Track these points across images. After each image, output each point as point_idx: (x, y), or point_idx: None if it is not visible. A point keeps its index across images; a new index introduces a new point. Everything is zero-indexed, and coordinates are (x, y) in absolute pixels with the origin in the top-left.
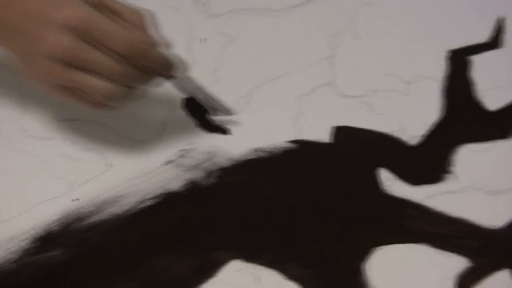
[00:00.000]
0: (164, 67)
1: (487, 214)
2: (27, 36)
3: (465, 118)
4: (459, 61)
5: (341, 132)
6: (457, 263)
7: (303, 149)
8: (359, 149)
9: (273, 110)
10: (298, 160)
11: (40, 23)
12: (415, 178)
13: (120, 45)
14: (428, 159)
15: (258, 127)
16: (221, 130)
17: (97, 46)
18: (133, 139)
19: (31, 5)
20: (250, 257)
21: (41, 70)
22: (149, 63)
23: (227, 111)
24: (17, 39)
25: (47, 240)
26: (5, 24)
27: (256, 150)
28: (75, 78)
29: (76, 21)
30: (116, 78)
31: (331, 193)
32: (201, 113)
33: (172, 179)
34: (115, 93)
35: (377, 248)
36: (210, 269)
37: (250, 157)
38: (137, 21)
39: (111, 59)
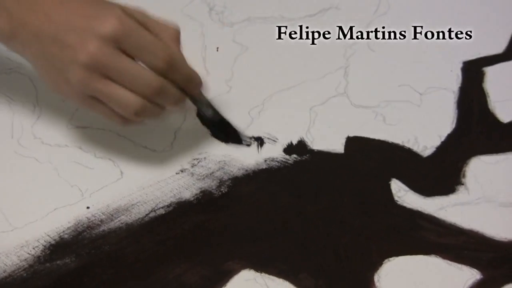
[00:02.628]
0: (194, 84)
1: (499, 226)
2: (66, 46)
3: (478, 129)
4: (473, 72)
5: (354, 143)
6: (468, 275)
7: (316, 159)
8: (371, 160)
9: (285, 120)
10: (310, 170)
11: (80, 33)
12: (427, 189)
13: (156, 59)
14: (440, 171)
15: (270, 137)
16: (233, 139)
17: (134, 58)
18: (146, 147)
19: (73, 16)
20: (261, 267)
21: (75, 79)
22: (182, 78)
23: (238, 139)
24: (53, 49)
25: (59, 248)
26: (42, 35)
27: (268, 160)
28: (109, 89)
29: (115, 31)
30: (147, 92)
31: (343, 203)
32: (214, 122)
33: (184, 188)
34: (145, 108)
35: (389, 259)
36: (221, 279)
37: (262, 167)
38: (170, 37)
39: (147, 71)
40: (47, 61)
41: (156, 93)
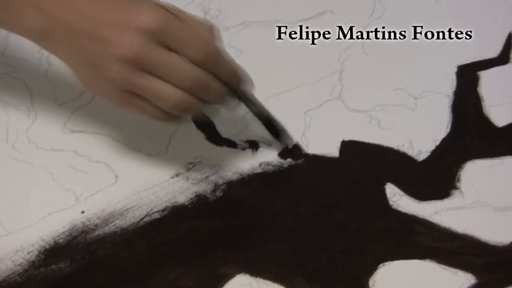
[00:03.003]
0: (238, 78)
1: (494, 231)
2: (102, 40)
3: (473, 134)
4: (467, 76)
5: (349, 147)
6: (463, 280)
7: (311, 163)
8: (366, 164)
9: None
10: (305, 175)
11: (117, 27)
12: (422, 193)
13: (197, 51)
14: (435, 175)
15: (265, 141)
16: (228, 143)
17: (172, 51)
18: (141, 151)
19: (108, 10)
20: (256, 271)
21: (113, 74)
22: (224, 72)
23: (288, 138)
24: (88, 45)
25: (53, 253)
26: (76, 31)
27: (263, 164)
28: (149, 83)
29: (154, 25)
30: (188, 84)
31: (338, 207)
32: (210, 126)
33: (179, 192)
34: (187, 101)
35: (384, 263)
36: (216, 283)
37: (257, 171)
38: (206, 31)
39: (187, 64)
40: (82, 58)
41: (198, 86)
